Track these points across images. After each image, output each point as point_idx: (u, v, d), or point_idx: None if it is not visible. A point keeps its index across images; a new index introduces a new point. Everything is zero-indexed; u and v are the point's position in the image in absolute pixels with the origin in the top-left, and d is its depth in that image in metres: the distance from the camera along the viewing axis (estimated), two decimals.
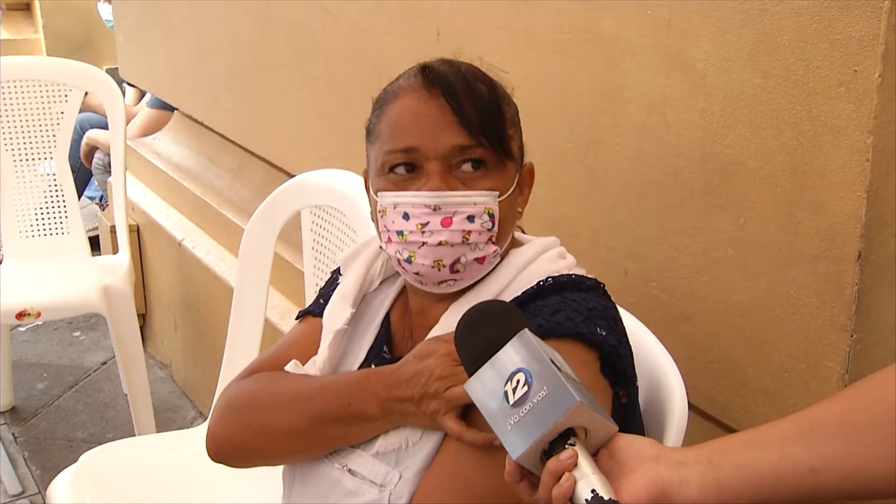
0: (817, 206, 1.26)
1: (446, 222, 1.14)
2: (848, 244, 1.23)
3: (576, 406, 0.88)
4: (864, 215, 1.21)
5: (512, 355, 0.93)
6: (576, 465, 0.88)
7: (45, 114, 3.19)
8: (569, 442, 0.89)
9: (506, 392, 0.92)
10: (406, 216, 1.15)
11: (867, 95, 1.18)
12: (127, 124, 3.41)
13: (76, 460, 1.96)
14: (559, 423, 0.88)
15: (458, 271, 1.16)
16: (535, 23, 1.68)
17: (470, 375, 0.97)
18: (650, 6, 1.45)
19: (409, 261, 1.16)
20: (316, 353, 1.27)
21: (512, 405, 0.91)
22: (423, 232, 1.14)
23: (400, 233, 1.16)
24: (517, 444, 0.90)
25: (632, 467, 0.89)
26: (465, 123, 1.14)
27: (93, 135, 4.41)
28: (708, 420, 1.48)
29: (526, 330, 0.95)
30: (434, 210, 1.14)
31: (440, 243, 1.14)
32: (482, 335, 0.97)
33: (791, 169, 1.29)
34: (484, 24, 1.81)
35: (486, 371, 0.95)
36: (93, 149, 4.42)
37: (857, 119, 1.20)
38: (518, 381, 0.91)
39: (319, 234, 2.00)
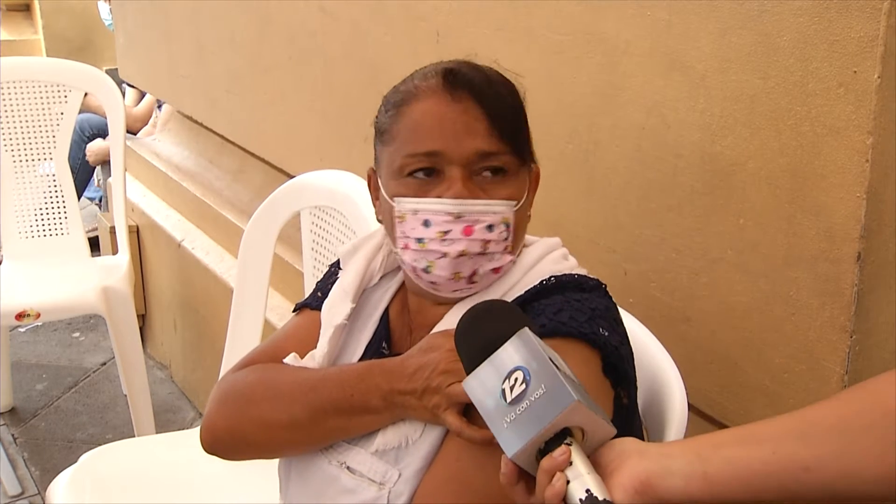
0: (817, 207, 1.26)
1: (468, 231, 1.13)
2: (847, 245, 1.23)
3: (573, 405, 0.87)
4: (863, 216, 1.21)
5: (511, 353, 0.93)
6: (570, 464, 0.87)
7: (44, 114, 3.19)
8: (565, 442, 0.88)
9: (503, 390, 0.91)
10: (427, 223, 1.14)
11: (866, 96, 1.18)
12: (128, 125, 3.42)
13: (76, 461, 1.96)
14: (556, 421, 0.88)
15: (475, 282, 1.16)
16: (535, 24, 1.68)
17: (469, 373, 0.96)
18: (650, 7, 1.45)
19: (426, 270, 1.15)
20: (313, 345, 1.26)
21: (509, 403, 0.90)
22: (443, 240, 1.13)
23: (420, 240, 1.14)
24: (512, 441, 0.89)
25: (615, 465, 0.89)
26: (492, 128, 1.13)
27: (95, 147, 4.42)
28: (707, 420, 1.48)
29: (526, 328, 0.94)
30: (456, 218, 1.12)
31: (461, 254, 1.13)
32: (482, 333, 0.97)
33: (790, 170, 1.29)
34: (483, 26, 1.81)
35: (484, 369, 0.94)
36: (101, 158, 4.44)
37: (857, 120, 1.20)
38: (516, 380, 0.91)
39: (319, 235, 2.00)
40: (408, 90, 1.18)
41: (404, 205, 1.15)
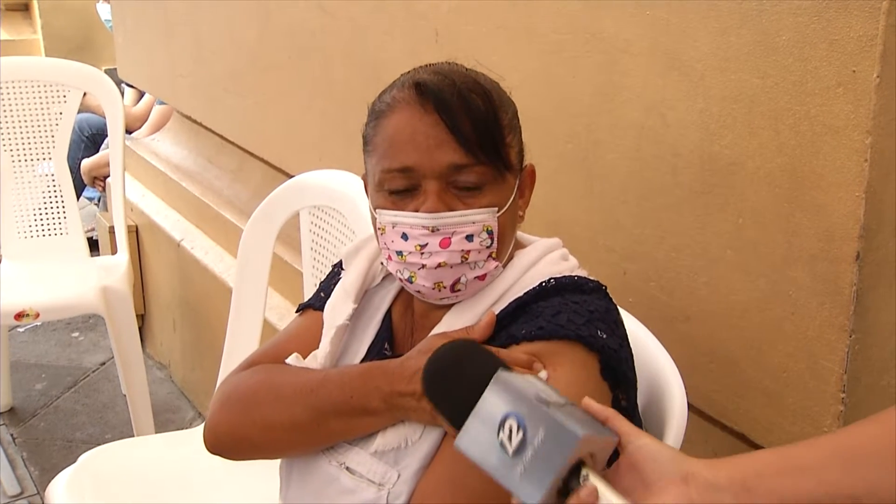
0: (816, 207, 1.26)
1: (444, 243, 1.13)
2: (846, 244, 1.23)
3: (580, 441, 0.85)
4: (862, 215, 1.21)
5: (495, 402, 0.88)
6: (597, 497, 0.84)
7: (43, 114, 3.19)
8: (581, 474, 0.86)
9: (501, 442, 0.87)
10: (405, 236, 1.14)
11: (865, 96, 1.18)
12: (127, 125, 3.42)
13: (75, 461, 1.96)
14: (568, 461, 0.85)
15: (458, 290, 1.16)
16: (534, 23, 1.68)
17: (454, 427, 0.91)
18: (649, 6, 1.46)
19: (409, 280, 1.16)
20: (316, 346, 1.27)
21: (512, 455, 0.86)
22: (421, 253, 1.14)
23: (399, 253, 1.15)
24: (531, 492, 0.85)
25: (658, 487, 0.87)
26: (462, 141, 1.12)
27: (89, 163, 4.39)
28: (707, 420, 1.49)
29: (500, 371, 0.91)
30: (432, 231, 1.13)
31: (439, 265, 1.13)
32: (455, 384, 0.93)
33: (789, 169, 1.29)
34: (483, 25, 1.81)
35: (472, 424, 0.89)
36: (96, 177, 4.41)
37: (856, 119, 1.20)
38: (510, 429, 0.87)
39: (318, 235, 2.00)
40: (386, 101, 1.18)
41: (384, 217, 1.17)
